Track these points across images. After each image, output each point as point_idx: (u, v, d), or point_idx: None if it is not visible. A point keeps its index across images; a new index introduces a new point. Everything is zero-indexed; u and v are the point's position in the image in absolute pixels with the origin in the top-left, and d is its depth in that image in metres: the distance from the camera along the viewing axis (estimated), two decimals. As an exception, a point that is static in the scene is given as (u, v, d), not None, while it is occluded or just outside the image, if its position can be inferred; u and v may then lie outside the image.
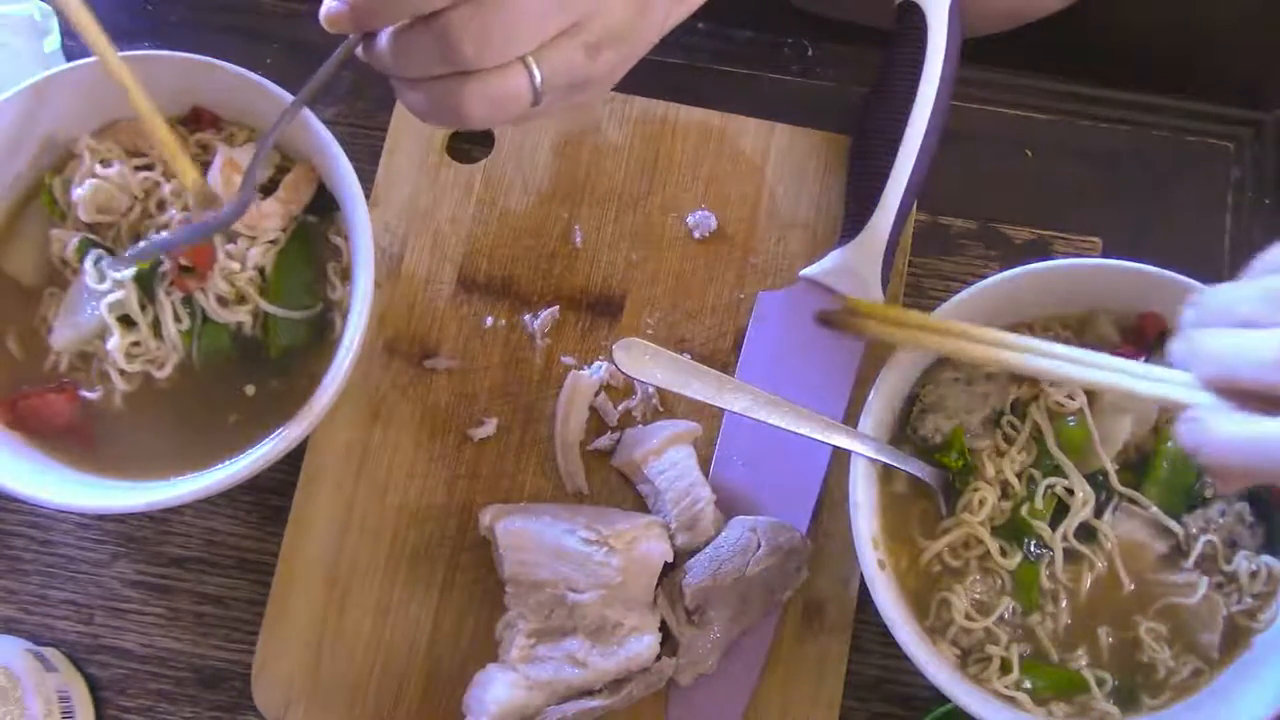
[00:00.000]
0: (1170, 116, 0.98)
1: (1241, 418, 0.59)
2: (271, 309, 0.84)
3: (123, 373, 0.83)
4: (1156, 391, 0.66)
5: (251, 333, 0.85)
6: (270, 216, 0.85)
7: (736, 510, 0.87)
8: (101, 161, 0.85)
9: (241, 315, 0.84)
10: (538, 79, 0.68)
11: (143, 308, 0.83)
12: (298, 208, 0.86)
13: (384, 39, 0.69)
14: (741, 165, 0.95)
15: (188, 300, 0.83)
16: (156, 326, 0.83)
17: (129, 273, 0.82)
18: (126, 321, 0.83)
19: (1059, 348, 0.72)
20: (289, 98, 0.84)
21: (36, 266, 0.87)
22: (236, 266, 0.83)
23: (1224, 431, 0.59)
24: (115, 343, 0.82)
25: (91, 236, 0.84)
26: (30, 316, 0.86)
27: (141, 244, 0.83)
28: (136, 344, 0.83)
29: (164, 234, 0.83)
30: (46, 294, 0.86)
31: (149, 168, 0.86)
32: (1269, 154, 0.97)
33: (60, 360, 0.85)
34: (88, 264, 0.83)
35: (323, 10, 0.68)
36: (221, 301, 0.83)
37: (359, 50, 0.70)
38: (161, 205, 0.85)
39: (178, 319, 0.83)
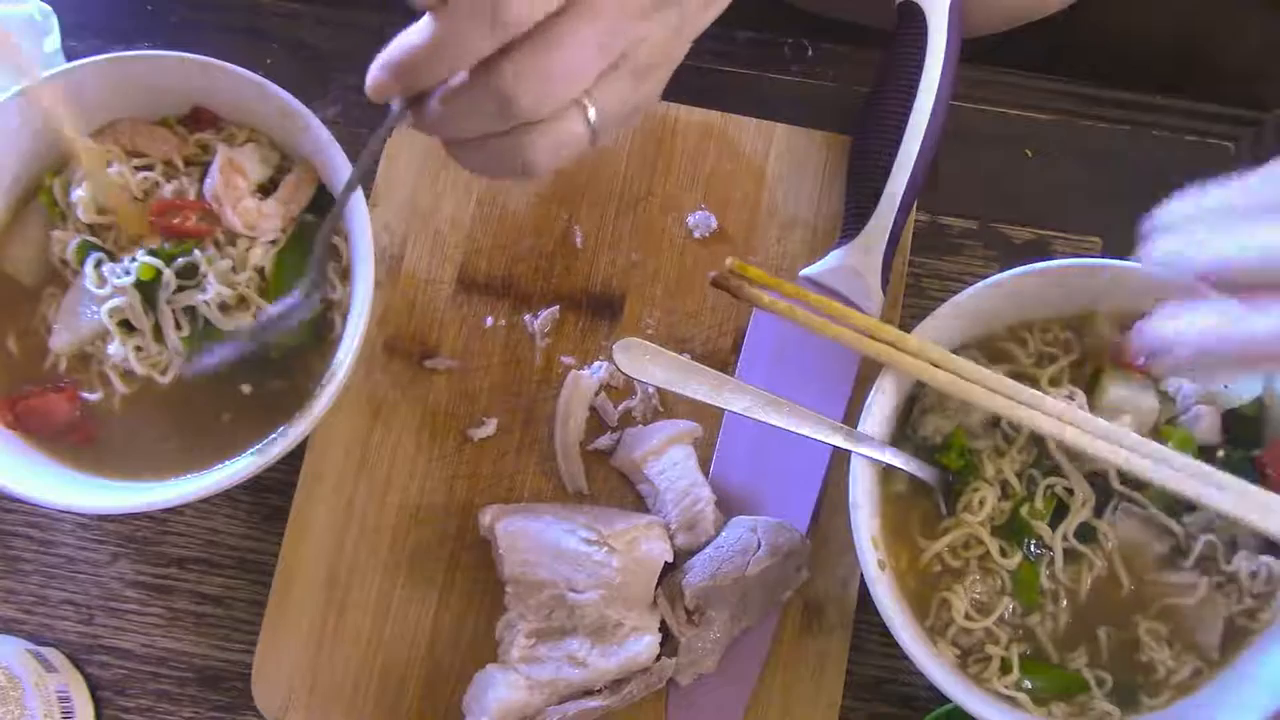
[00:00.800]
0: (1170, 116, 0.98)
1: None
2: (276, 312, 0.84)
3: (123, 376, 0.83)
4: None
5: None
6: (270, 217, 0.85)
7: (736, 510, 0.87)
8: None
9: (244, 321, 0.84)
10: (593, 117, 0.67)
11: (143, 312, 0.83)
12: (298, 208, 0.86)
13: (435, 102, 0.66)
14: (741, 165, 0.95)
15: (189, 308, 0.83)
16: (157, 331, 0.83)
17: (129, 279, 0.82)
18: (126, 326, 0.83)
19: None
20: (289, 98, 0.84)
21: (36, 266, 0.87)
22: (234, 270, 0.83)
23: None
24: (117, 348, 0.82)
25: (91, 239, 0.84)
26: (30, 316, 0.86)
27: (200, 359, 0.82)
28: (139, 348, 0.83)
29: (216, 348, 0.82)
30: (46, 294, 0.86)
31: (149, 168, 0.86)
32: (1269, 154, 0.97)
33: (59, 361, 0.85)
34: (88, 267, 0.83)
35: (368, 82, 0.66)
36: (223, 308, 0.83)
37: (409, 119, 0.68)
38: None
39: (179, 326, 0.83)
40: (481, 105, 0.65)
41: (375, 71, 0.65)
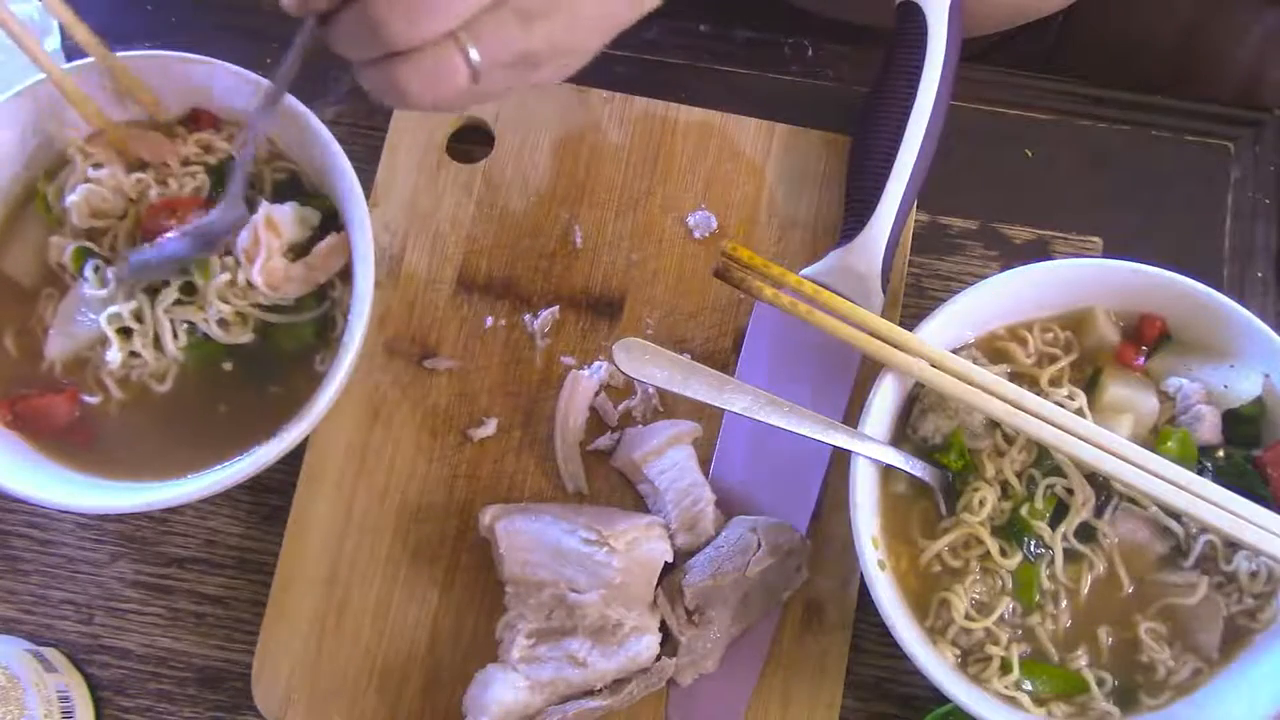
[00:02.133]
0: (1170, 116, 0.98)
1: None
2: (275, 319, 0.84)
3: (120, 382, 0.83)
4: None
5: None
6: (294, 281, 0.84)
7: (736, 510, 0.87)
8: (93, 165, 0.85)
9: (244, 336, 0.84)
10: (473, 55, 0.68)
11: (140, 320, 0.83)
12: (324, 276, 0.86)
13: (330, 22, 0.69)
14: (741, 165, 0.95)
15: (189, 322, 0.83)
16: (155, 338, 0.83)
17: (139, 286, 0.83)
18: (124, 332, 0.83)
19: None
20: (289, 98, 0.84)
21: (34, 268, 0.87)
22: (231, 283, 0.83)
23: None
24: (114, 354, 0.82)
25: (88, 245, 0.84)
26: (28, 316, 0.86)
27: (133, 260, 0.82)
28: (135, 354, 0.83)
29: (149, 249, 0.82)
30: (44, 295, 0.86)
31: (141, 169, 0.86)
32: (1269, 154, 0.97)
33: (55, 365, 0.85)
34: (87, 271, 0.83)
35: None
36: (223, 324, 0.83)
37: (318, 32, 0.71)
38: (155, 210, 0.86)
39: (176, 336, 0.83)
40: (359, 29, 0.67)
41: None
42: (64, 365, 0.85)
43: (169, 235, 0.83)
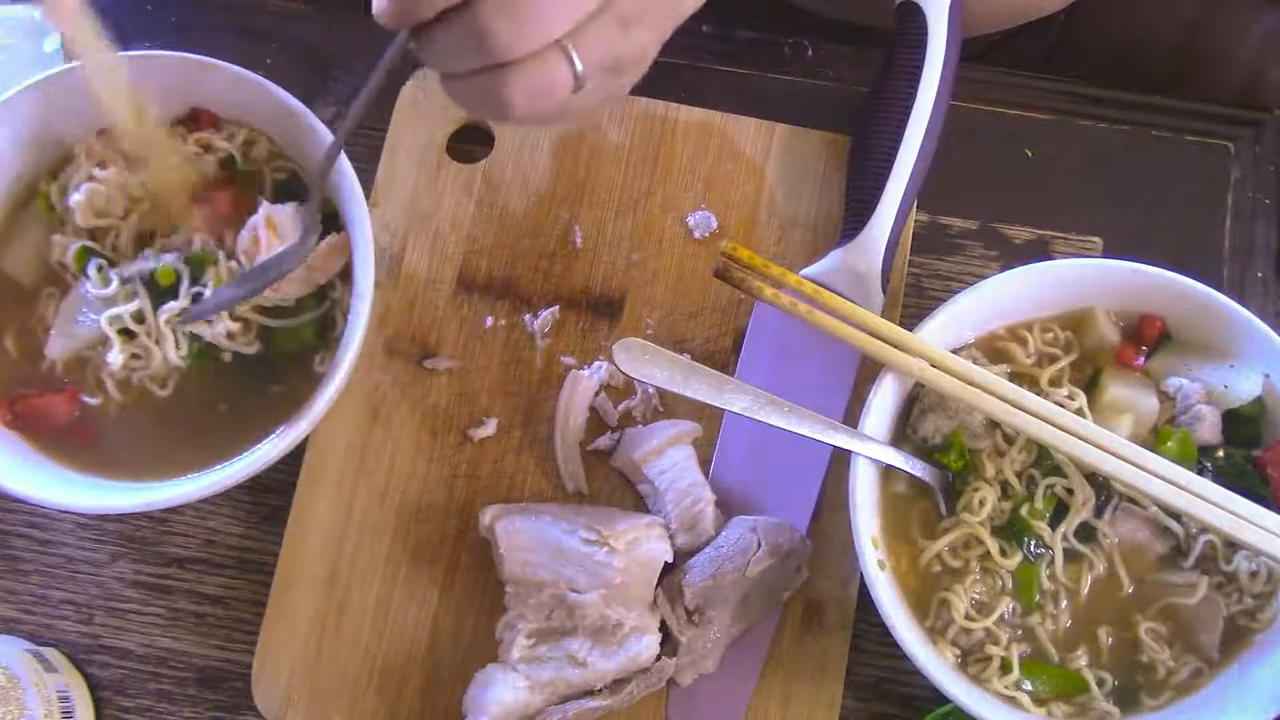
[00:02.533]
0: (1170, 116, 0.98)
1: None
2: (276, 323, 0.84)
3: (120, 385, 0.84)
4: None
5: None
6: (294, 282, 0.84)
7: (736, 510, 0.87)
8: (98, 164, 0.85)
9: (250, 348, 0.84)
10: (577, 64, 0.67)
11: (141, 321, 0.83)
12: (324, 276, 0.86)
13: (428, 33, 0.67)
14: (741, 165, 0.95)
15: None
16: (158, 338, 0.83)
17: (147, 265, 0.82)
18: (126, 333, 0.83)
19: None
20: (289, 98, 0.84)
21: (35, 267, 0.87)
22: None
23: None
24: (115, 356, 0.82)
25: (90, 244, 0.84)
26: (28, 316, 0.86)
27: (198, 306, 0.82)
28: (136, 356, 0.83)
29: (219, 291, 0.82)
30: (44, 294, 0.86)
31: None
32: (1269, 154, 0.97)
33: (55, 365, 0.85)
34: (91, 271, 0.83)
35: (375, 8, 0.66)
36: (228, 335, 0.83)
37: (411, 46, 0.68)
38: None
39: (178, 345, 0.83)
40: (462, 39, 0.65)
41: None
42: (64, 365, 0.85)
43: (238, 273, 0.83)
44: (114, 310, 0.82)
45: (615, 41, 0.68)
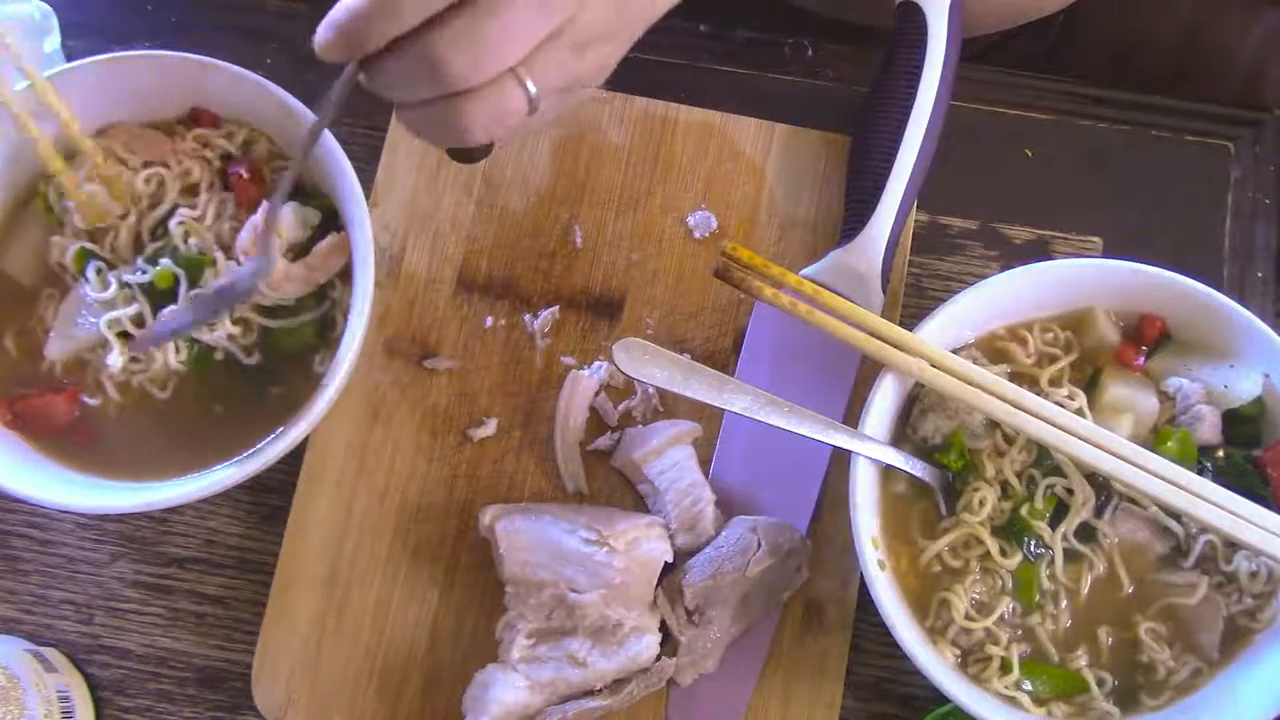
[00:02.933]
0: (1170, 116, 0.98)
1: None
2: (276, 324, 0.84)
3: (119, 387, 0.84)
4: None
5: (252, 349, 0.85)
6: (295, 281, 0.84)
7: (736, 510, 0.87)
8: (100, 164, 0.85)
9: (252, 357, 0.84)
10: (531, 88, 0.67)
11: (141, 325, 0.83)
12: (325, 276, 0.86)
13: (379, 65, 0.67)
14: (741, 165, 0.95)
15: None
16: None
17: (145, 276, 0.82)
18: (125, 337, 0.83)
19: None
20: (289, 98, 0.84)
21: (35, 267, 0.87)
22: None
23: None
24: (115, 358, 0.82)
25: (90, 246, 0.84)
26: (28, 316, 0.86)
27: (156, 330, 0.82)
28: (136, 359, 0.83)
29: (174, 312, 0.82)
30: (44, 295, 0.86)
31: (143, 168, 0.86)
32: (1269, 154, 0.97)
33: (55, 365, 0.85)
34: (90, 273, 0.83)
35: (315, 41, 0.66)
36: (230, 339, 0.83)
37: (361, 78, 0.69)
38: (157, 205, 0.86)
39: (177, 350, 0.83)
40: (416, 70, 0.65)
41: (321, 31, 0.66)
42: (64, 366, 0.85)
43: (191, 297, 0.82)
44: (113, 314, 0.82)
45: (569, 65, 0.69)
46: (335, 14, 0.65)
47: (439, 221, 0.94)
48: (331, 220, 0.87)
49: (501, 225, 0.94)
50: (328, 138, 0.83)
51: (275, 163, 0.89)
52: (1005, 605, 0.80)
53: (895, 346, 0.82)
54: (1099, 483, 0.81)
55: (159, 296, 0.83)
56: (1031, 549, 0.81)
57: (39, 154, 0.83)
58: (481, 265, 0.94)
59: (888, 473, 0.83)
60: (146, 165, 0.86)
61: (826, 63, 1.00)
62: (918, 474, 0.82)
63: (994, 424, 0.82)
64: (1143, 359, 0.85)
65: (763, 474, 0.89)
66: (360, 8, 0.64)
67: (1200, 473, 0.80)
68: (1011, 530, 0.81)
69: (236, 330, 0.83)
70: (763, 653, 0.85)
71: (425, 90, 0.66)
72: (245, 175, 0.85)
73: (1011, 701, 0.78)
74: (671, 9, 0.75)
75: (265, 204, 0.84)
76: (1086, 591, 0.81)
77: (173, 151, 0.87)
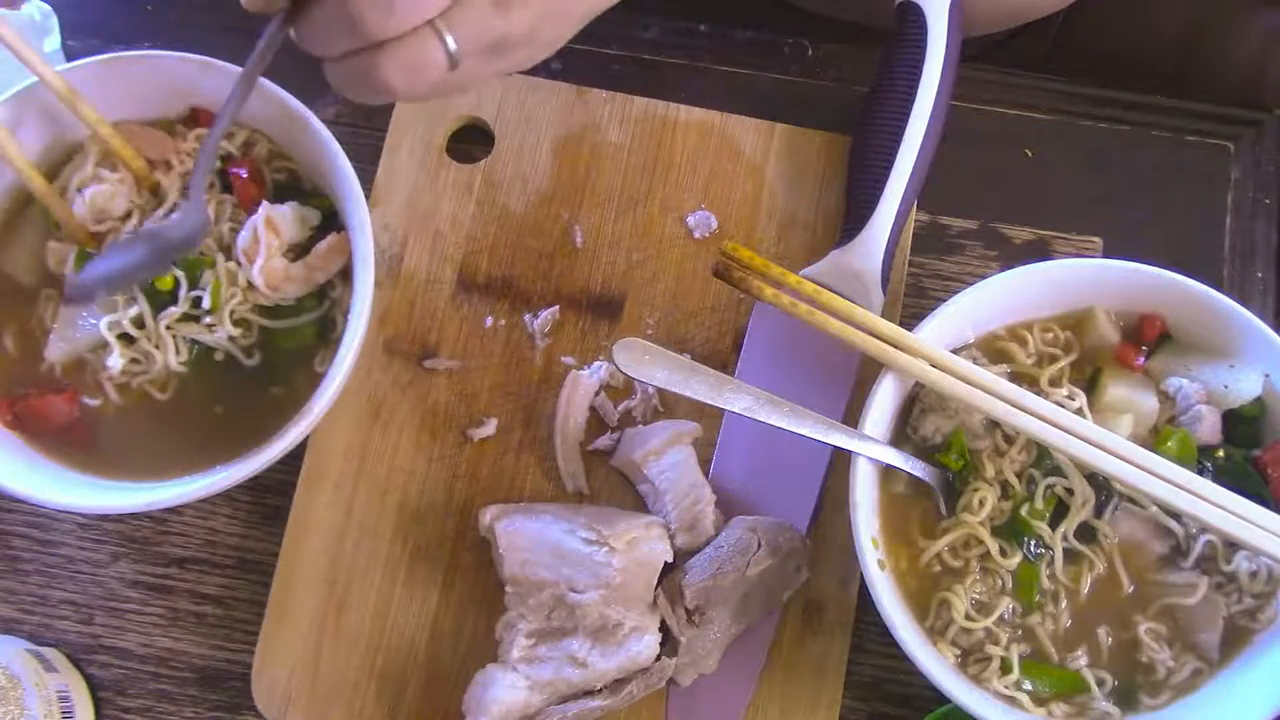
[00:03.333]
0: (1170, 116, 0.98)
1: None
2: (276, 324, 0.84)
3: (119, 388, 0.83)
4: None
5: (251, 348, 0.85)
6: (294, 281, 0.84)
7: (736, 510, 0.87)
8: (107, 166, 0.85)
9: (252, 359, 0.84)
10: (450, 43, 0.68)
11: (141, 326, 0.83)
12: (324, 276, 0.86)
13: (301, 17, 0.69)
14: (741, 165, 0.95)
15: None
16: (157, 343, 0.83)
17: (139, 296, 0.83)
18: (126, 338, 0.83)
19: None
20: (289, 98, 0.84)
21: (34, 267, 0.86)
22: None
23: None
24: (115, 360, 0.82)
25: (91, 250, 0.84)
26: (28, 316, 0.86)
27: (81, 280, 0.80)
28: (137, 360, 0.83)
29: (97, 261, 0.81)
30: (43, 295, 0.86)
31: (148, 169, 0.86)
32: (1269, 154, 0.97)
33: (55, 366, 0.85)
34: None
35: None
36: (230, 340, 0.83)
37: (291, 32, 0.70)
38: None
39: (178, 351, 0.83)
40: (334, 21, 0.66)
41: None
42: (64, 367, 0.85)
43: (119, 239, 0.81)
44: (113, 316, 0.82)
45: (490, 22, 0.69)
46: None
47: (439, 221, 0.94)
48: (331, 220, 0.87)
49: (501, 225, 0.94)
50: (328, 138, 0.83)
51: (275, 163, 0.88)
52: (1005, 605, 0.80)
53: (895, 346, 0.82)
54: (1099, 483, 0.81)
55: (159, 298, 0.83)
56: (1031, 549, 0.81)
57: (21, 176, 0.82)
58: (481, 265, 0.94)
59: (888, 473, 0.83)
60: (151, 165, 0.86)
61: (826, 63, 1.00)
62: (918, 474, 0.82)
63: (994, 424, 0.82)
64: (1143, 359, 0.85)
65: (763, 474, 0.89)
66: None
67: (1200, 473, 0.80)
68: (1011, 530, 0.81)
69: (237, 332, 0.83)
70: (763, 653, 0.85)
71: (344, 43, 0.67)
72: (245, 176, 0.85)
73: (1011, 701, 0.78)
74: (625, 11, 0.76)
75: (263, 202, 0.84)
76: (1086, 591, 0.81)
77: (175, 151, 0.87)
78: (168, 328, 0.82)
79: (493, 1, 0.69)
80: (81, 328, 0.84)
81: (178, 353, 0.83)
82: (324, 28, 0.67)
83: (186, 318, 0.83)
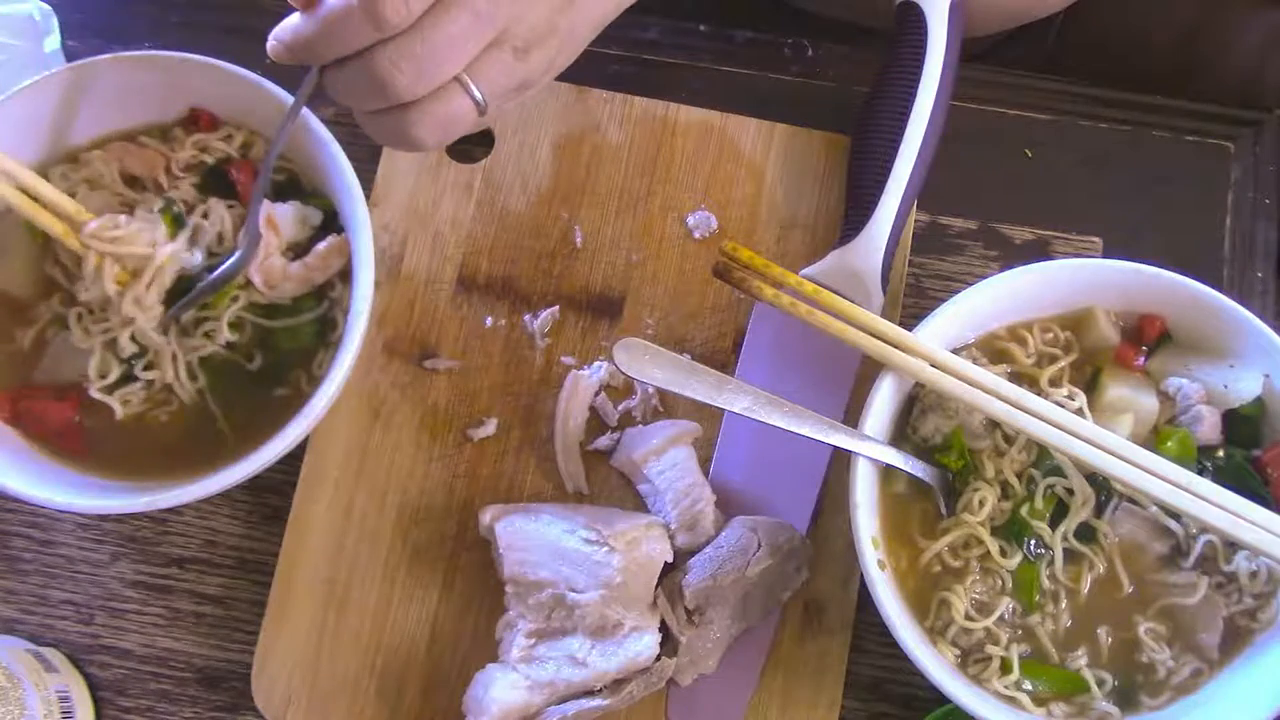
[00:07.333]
0: (1170, 116, 0.98)
1: None
2: (274, 324, 0.84)
3: (124, 403, 0.83)
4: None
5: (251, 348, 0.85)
6: (293, 280, 0.84)
7: (736, 510, 0.87)
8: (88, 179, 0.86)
9: (253, 362, 0.84)
10: (477, 95, 0.70)
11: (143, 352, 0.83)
12: (323, 276, 0.86)
13: (333, 74, 0.70)
14: (741, 165, 0.95)
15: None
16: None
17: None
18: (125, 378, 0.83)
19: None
20: (288, 97, 0.84)
21: (30, 278, 0.86)
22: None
23: None
24: (116, 376, 0.83)
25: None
26: (28, 318, 0.85)
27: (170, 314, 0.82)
28: (133, 378, 0.83)
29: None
30: (43, 305, 0.85)
31: (132, 183, 0.86)
32: (1269, 154, 0.97)
33: (56, 378, 0.84)
34: (71, 322, 0.83)
35: (268, 47, 0.70)
36: (230, 346, 0.84)
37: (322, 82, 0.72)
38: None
39: (194, 377, 0.83)
40: (362, 85, 0.68)
41: (270, 41, 0.70)
42: (66, 383, 0.84)
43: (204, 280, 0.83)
44: (102, 382, 0.82)
45: (513, 70, 0.71)
46: (281, 30, 0.69)
47: (439, 221, 0.94)
48: (331, 220, 0.87)
49: (501, 225, 0.94)
50: (328, 138, 0.83)
51: (276, 163, 0.88)
52: (1005, 605, 0.80)
53: (895, 346, 0.82)
54: (1099, 483, 0.81)
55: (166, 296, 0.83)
56: (1031, 549, 0.81)
57: (39, 224, 0.82)
58: (481, 265, 0.94)
59: (888, 473, 0.83)
60: (138, 184, 0.86)
61: (826, 63, 1.00)
62: (918, 474, 0.82)
63: (994, 424, 0.82)
64: (1143, 359, 0.85)
65: (763, 474, 0.89)
66: (302, 31, 0.67)
67: (1200, 473, 0.80)
68: (1011, 530, 0.81)
69: (235, 337, 0.83)
70: (763, 653, 0.85)
71: (374, 102, 0.69)
72: (245, 178, 0.85)
73: (1011, 701, 0.78)
74: (627, 8, 0.77)
75: (264, 202, 0.84)
76: (1086, 591, 0.81)
77: (165, 172, 0.86)
78: (180, 347, 0.83)
79: (513, 50, 0.70)
80: (75, 359, 0.84)
81: (177, 376, 0.83)
82: (354, 88, 0.69)
83: (183, 333, 0.83)
